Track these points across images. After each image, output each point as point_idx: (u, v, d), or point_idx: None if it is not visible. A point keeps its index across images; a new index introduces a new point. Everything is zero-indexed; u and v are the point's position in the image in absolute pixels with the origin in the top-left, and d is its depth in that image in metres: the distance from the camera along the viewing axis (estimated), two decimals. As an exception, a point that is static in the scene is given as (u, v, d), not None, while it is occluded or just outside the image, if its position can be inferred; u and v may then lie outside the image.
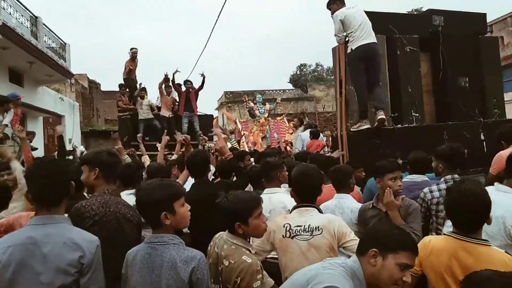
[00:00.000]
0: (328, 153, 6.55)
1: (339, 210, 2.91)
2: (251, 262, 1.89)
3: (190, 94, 10.24)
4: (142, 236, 2.21)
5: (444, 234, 2.00)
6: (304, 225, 2.22)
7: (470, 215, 1.82)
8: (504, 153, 3.40)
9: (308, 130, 8.21)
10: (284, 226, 2.27)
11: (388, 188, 2.59)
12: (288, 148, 9.66)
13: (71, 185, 1.85)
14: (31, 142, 9.16)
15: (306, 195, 2.36)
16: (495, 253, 1.81)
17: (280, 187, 3.07)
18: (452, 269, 1.81)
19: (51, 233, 1.68)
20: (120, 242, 2.01)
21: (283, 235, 2.26)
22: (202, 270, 1.74)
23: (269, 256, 2.45)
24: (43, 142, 14.31)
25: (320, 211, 2.37)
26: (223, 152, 3.52)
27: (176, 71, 10.23)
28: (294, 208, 2.38)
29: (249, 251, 2.00)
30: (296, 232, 2.23)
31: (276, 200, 2.86)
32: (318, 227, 2.20)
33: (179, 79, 10.81)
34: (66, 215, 1.88)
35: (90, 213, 2.02)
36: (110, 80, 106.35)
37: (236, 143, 10.84)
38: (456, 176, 2.90)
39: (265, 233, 2.17)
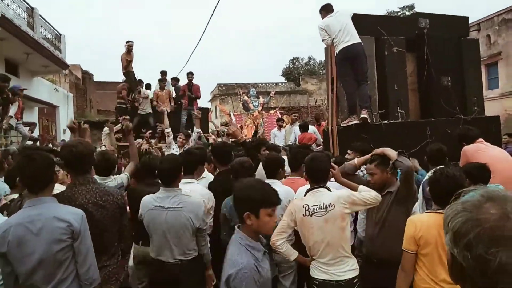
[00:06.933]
0: (320, 147, 6.90)
1: None
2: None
3: (192, 87, 10.35)
4: None
5: (426, 212, 2.42)
6: (319, 204, 2.62)
7: (449, 192, 2.28)
8: (466, 148, 4.04)
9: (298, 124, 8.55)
10: (303, 207, 2.65)
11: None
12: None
13: (54, 172, 2.19)
14: (32, 132, 9.38)
15: (317, 178, 2.75)
16: None
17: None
18: (442, 240, 2.14)
19: (42, 212, 2.03)
20: (93, 228, 2.24)
21: (303, 214, 2.64)
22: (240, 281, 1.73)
23: None
24: (38, 132, 14.42)
25: (329, 189, 2.73)
26: (235, 135, 3.90)
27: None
28: (309, 190, 2.76)
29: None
30: (314, 210, 2.62)
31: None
32: (331, 203, 2.61)
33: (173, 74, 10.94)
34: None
35: None
36: (103, 71, 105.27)
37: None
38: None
39: (288, 213, 2.66)
